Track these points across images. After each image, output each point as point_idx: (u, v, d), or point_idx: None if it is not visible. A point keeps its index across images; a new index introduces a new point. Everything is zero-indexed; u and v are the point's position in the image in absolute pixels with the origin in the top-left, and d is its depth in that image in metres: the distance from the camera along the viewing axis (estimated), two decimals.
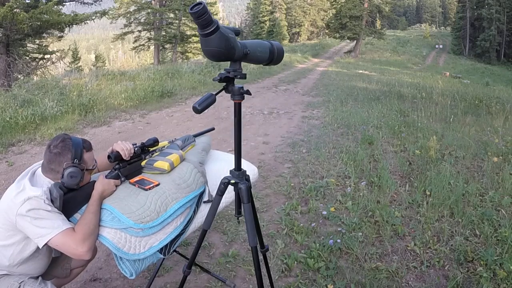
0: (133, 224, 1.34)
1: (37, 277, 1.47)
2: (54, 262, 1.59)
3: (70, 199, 1.38)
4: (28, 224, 1.24)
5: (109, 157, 1.48)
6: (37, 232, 1.25)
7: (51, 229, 1.24)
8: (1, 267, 1.36)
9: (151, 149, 1.67)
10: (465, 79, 21.01)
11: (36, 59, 12.08)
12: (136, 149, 1.57)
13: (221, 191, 1.46)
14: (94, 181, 1.44)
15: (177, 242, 1.51)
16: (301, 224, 2.82)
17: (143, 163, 1.60)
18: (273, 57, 1.41)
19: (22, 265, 1.38)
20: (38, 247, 1.32)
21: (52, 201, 1.30)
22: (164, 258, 1.64)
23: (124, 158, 1.50)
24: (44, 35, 11.50)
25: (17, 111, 5.69)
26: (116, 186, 1.48)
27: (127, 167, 1.53)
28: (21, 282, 1.38)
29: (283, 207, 3.14)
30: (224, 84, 1.31)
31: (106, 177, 1.46)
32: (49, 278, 1.62)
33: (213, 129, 2.13)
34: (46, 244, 1.26)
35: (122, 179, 1.50)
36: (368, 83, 12.65)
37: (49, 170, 1.37)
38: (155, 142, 1.66)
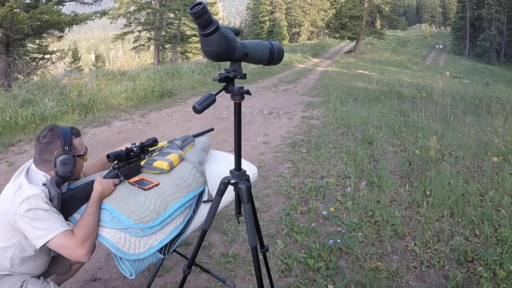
0: (132, 224, 1.34)
1: (38, 276, 1.46)
2: (53, 259, 1.59)
3: (69, 198, 1.38)
4: (26, 225, 1.24)
5: (108, 156, 1.48)
6: (34, 234, 1.24)
7: (48, 231, 1.24)
8: (3, 268, 1.36)
9: (151, 149, 1.67)
10: (465, 79, 21.01)
11: (36, 59, 12.09)
12: (135, 149, 1.57)
13: (221, 191, 1.45)
14: (93, 181, 1.43)
15: (176, 242, 1.51)
16: (301, 224, 2.82)
17: (142, 163, 1.60)
18: (273, 57, 1.41)
19: (24, 265, 1.38)
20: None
21: (50, 199, 1.30)
22: (164, 258, 1.64)
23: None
24: (44, 35, 11.51)
25: (17, 111, 5.70)
26: (115, 185, 1.48)
27: (126, 167, 1.53)
28: (23, 281, 1.38)
29: (283, 207, 3.14)
30: (224, 84, 1.31)
31: (104, 177, 1.46)
32: (49, 276, 1.62)
33: (212, 129, 2.13)
34: (44, 245, 1.25)
35: (121, 178, 1.50)
36: (368, 83, 12.65)
37: (41, 161, 1.36)
38: (154, 142, 1.66)
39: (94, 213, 1.34)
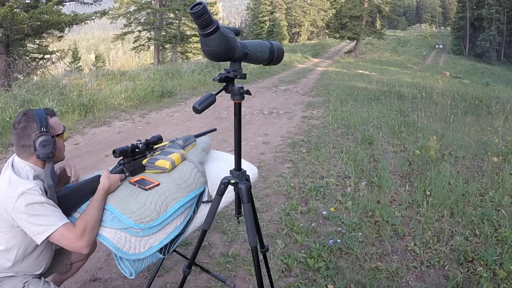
0: (133, 224, 1.34)
1: (40, 277, 1.46)
2: (53, 258, 1.59)
3: (74, 192, 1.38)
4: (24, 222, 1.22)
5: (114, 151, 1.50)
6: (33, 230, 1.23)
7: (48, 226, 1.22)
8: (4, 269, 1.34)
9: (155, 146, 1.69)
10: (465, 79, 21.01)
11: (36, 59, 12.09)
12: (140, 145, 1.58)
13: (221, 191, 1.45)
14: (99, 176, 1.43)
15: (177, 242, 1.51)
16: (301, 224, 2.82)
17: (144, 162, 1.61)
18: (273, 57, 1.41)
19: (26, 262, 1.36)
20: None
21: (46, 192, 1.28)
22: (164, 258, 1.65)
23: (72, 178, 1.50)
24: (44, 35, 11.51)
25: (17, 111, 5.70)
26: (121, 180, 1.48)
27: (132, 163, 1.55)
28: (25, 282, 1.37)
29: (283, 207, 3.14)
30: (224, 84, 1.31)
31: (111, 172, 1.47)
32: (49, 274, 1.61)
33: (215, 129, 2.14)
34: (45, 239, 1.24)
35: (127, 174, 1.51)
36: (368, 83, 12.65)
37: (21, 148, 1.33)
38: (159, 139, 1.69)
39: (99, 207, 1.33)
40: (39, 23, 9.99)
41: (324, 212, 3.00)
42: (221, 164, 1.89)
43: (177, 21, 22.54)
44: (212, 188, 1.70)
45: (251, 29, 50.40)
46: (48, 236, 1.23)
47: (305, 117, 6.96)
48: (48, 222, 1.23)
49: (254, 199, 1.85)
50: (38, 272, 1.44)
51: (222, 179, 1.46)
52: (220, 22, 1.73)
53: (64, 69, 21.23)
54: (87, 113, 6.56)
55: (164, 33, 22.65)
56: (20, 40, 10.87)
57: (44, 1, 10.74)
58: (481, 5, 40.40)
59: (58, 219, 1.25)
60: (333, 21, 34.04)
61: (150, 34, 22.87)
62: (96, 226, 1.31)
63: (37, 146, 1.30)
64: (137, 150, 1.58)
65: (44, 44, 12.27)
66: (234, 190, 1.48)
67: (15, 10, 9.01)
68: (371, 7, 32.18)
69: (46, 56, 12.12)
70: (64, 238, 1.25)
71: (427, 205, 3.08)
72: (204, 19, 1.09)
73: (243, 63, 1.31)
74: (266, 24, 47.46)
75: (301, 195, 3.40)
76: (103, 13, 12.23)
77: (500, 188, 3.37)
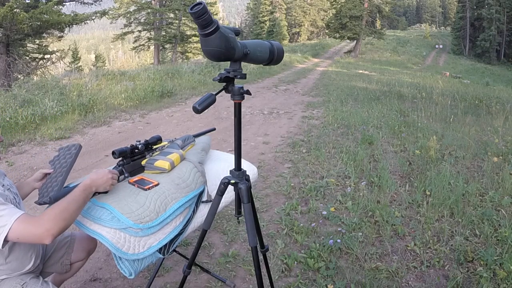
0: (132, 224, 1.34)
1: (38, 276, 1.45)
2: (52, 258, 1.58)
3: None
4: None
5: (113, 152, 1.49)
6: None
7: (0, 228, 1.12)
8: None
9: (155, 146, 1.69)
10: (465, 79, 21.02)
11: (36, 59, 12.11)
12: (140, 146, 1.58)
13: (221, 191, 1.45)
14: None
15: (176, 242, 1.51)
16: (301, 224, 2.82)
17: (143, 163, 1.60)
18: (273, 57, 1.41)
19: (11, 261, 1.32)
20: None
21: None
22: (163, 258, 1.64)
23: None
24: (44, 35, 11.53)
25: (17, 111, 5.70)
26: (117, 176, 1.41)
27: (131, 164, 1.54)
28: (23, 284, 1.35)
29: (283, 207, 3.14)
30: (224, 84, 1.31)
31: None
32: (48, 275, 1.60)
33: (214, 129, 2.13)
34: (4, 242, 1.13)
35: (126, 175, 1.51)
36: (368, 83, 12.65)
37: None
38: (158, 140, 1.68)
39: (72, 200, 1.21)
40: (39, 23, 10.01)
41: (324, 212, 2.99)
42: (221, 164, 1.89)
43: (177, 21, 22.55)
44: (212, 188, 1.70)
45: (251, 29, 50.43)
46: (5, 238, 1.12)
47: (305, 117, 6.96)
48: None
49: (254, 199, 1.85)
50: (30, 265, 1.39)
51: (222, 179, 1.45)
52: (220, 22, 1.73)
53: (64, 69, 21.25)
54: (87, 113, 6.56)
55: (164, 33, 22.67)
56: (20, 40, 10.89)
57: (44, 1, 10.76)
58: (481, 5, 40.39)
59: (7, 218, 1.13)
60: (333, 21, 34.04)
61: (150, 34, 22.88)
62: (64, 219, 1.16)
63: None
64: (136, 151, 1.57)
65: (44, 44, 12.29)
66: (234, 190, 1.47)
67: (15, 10, 9.02)
68: (371, 7, 32.19)
69: (46, 56, 12.14)
70: (23, 235, 1.13)
71: (427, 205, 3.08)
72: (204, 19, 1.09)
73: (243, 63, 1.31)
74: (266, 24, 47.47)
75: (301, 195, 3.40)
76: (103, 13, 12.25)
77: (500, 188, 3.37)
